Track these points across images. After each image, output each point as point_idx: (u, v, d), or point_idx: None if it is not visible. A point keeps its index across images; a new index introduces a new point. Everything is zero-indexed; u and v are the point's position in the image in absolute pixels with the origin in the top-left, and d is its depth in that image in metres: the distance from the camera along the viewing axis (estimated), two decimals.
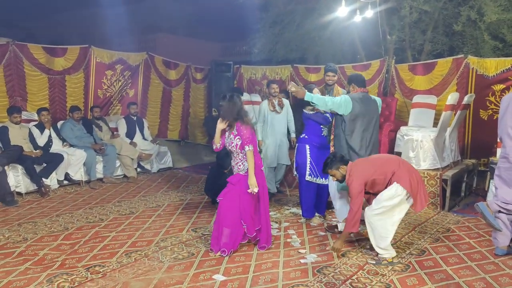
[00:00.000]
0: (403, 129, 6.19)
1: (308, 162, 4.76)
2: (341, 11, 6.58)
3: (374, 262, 3.69)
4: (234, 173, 3.99)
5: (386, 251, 3.74)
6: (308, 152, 4.78)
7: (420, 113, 6.54)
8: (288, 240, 4.29)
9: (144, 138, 7.86)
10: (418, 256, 3.85)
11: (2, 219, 4.91)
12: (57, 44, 7.48)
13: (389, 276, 3.43)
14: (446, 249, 4.03)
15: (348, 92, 4.58)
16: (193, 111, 9.97)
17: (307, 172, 4.76)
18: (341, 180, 3.96)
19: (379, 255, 3.76)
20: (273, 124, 5.85)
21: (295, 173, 4.96)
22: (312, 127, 4.83)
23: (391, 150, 6.45)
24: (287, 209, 5.40)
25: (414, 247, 4.07)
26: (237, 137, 3.85)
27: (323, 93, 5.50)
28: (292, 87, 4.25)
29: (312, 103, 4.28)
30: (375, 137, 4.49)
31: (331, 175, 4.05)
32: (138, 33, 14.50)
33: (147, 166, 7.71)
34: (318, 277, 3.41)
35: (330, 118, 4.77)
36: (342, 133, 4.36)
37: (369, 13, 6.68)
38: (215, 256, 3.83)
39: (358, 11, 6.72)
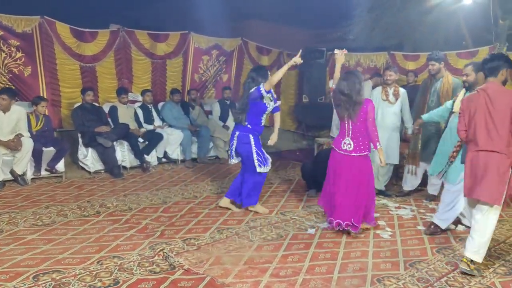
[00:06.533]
0: None
1: (254, 153, 4.48)
2: None
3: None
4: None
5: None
6: (252, 141, 4.49)
7: None
8: (378, 231, 4.18)
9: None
10: None
11: (110, 189, 5.44)
12: (158, 31, 7.93)
13: (490, 279, 3.19)
14: None
15: (469, 83, 4.03)
16: (283, 97, 10.03)
17: (256, 163, 4.46)
18: None
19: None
20: (383, 115, 5.26)
21: (233, 161, 4.69)
22: (257, 115, 4.49)
23: None
24: (378, 200, 5.26)
25: None
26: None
27: (427, 84, 5.19)
28: None
29: None
30: None
31: None
32: (230, 19, 14.80)
33: None
34: (410, 271, 3.29)
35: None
36: None
37: None
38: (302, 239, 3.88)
39: None
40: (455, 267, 3.37)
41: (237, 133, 4.53)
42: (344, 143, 4.01)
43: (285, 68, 4.35)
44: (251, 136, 4.49)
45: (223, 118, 7.97)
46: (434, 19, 8.06)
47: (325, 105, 8.69)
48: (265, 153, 4.63)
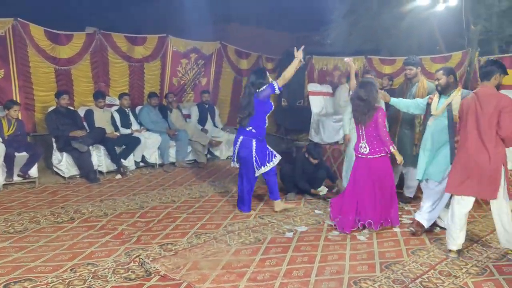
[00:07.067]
0: None
1: (253, 158, 4.59)
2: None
3: None
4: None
5: None
6: (254, 147, 4.59)
7: None
8: (355, 233, 4.22)
9: (215, 126, 8.09)
10: (497, 261, 3.61)
11: (86, 195, 5.34)
12: (136, 34, 7.87)
13: (463, 279, 3.26)
14: None
15: (441, 86, 4.15)
16: None
17: (254, 168, 4.61)
18: None
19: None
20: None
21: (234, 164, 4.78)
22: (261, 117, 4.60)
23: None
24: None
25: (492, 250, 3.83)
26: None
27: (403, 88, 5.27)
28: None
29: None
30: None
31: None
32: (211, 23, 14.81)
33: (217, 153, 7.93)
34: (386, 273, 3.33)
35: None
36: None
37: (453, 1, 6.29)
38: (281, 242, 3.88)
39: None
40: (429, 268, 3.43)
41: (241, 137, 4.62)
42: (361, 146, 4.31)
43: (295, 62, 4.46)
44: (253, 141, 4.57)
45: (202, 121, 7.94)
46: (408, 25, 8.22)
47: (303, 109, 8.74)
48: (273, 152, 4.77)
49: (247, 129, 4.58)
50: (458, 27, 7.44)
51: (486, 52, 7.26)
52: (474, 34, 7.34)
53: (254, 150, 4.57)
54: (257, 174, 4.65)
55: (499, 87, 3.63)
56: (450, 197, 3.85)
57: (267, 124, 4.70)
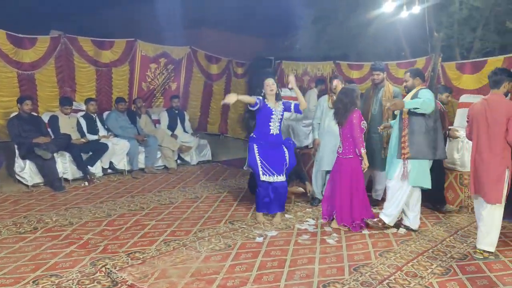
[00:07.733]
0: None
1: (258, 161, 4.59)
2: (387, 7, 6.43)
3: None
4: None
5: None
6: (256, 151, 4.61)
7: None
8: (325, 237, 4.26)
9: (185, 131, 8.02)
10: (460, 261, 3.72)
11: (50, 203, 5.17)
12: (104, 38, 7.73)
13: (428, 279, 3.34)
14: None
15: (408, 87, 4.39)
16: (233, 105, 9.97)
17: (260, 172, 4.56)
18: None
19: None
20: (330, 122, 5.17)
21: (244, 167, 4.83)
22: (262, 123, 4.63)
23: None
24: None
25: (455, 251, 3.94)
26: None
27: (369, 93, 5.38)
28: (387, 103, 4.15)
29: (416, 109, 4.04)
30: None
31: None
32: (181, 27, 14.68)
33: (187, 158, 7.86)
34: (355, 276, 3.37)
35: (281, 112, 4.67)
36: (425, 129, 4.20)
37: (416, 9, 6.47)
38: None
39: (405, 7, 6.53)
40: (396, 269, 3.50)
41: (248, 144, 4.76)
42: (338, 146, 4.59)
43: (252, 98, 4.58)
44: (255, 146, 4.63)
45: (172, 127, 7.84)
46: (374, 31, 8.42)
47: None
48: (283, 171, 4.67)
49: (251, 135, 4.73)
50: (422, 34, 7.68)
51: (448, 58, 7.51)
52: (437, 41, 7.57)
53: (257, 154, 4.61)
54: (263, 179, 4.56)
55: (507, 94, 3.89)
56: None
57: (273, 130, 4.60)
